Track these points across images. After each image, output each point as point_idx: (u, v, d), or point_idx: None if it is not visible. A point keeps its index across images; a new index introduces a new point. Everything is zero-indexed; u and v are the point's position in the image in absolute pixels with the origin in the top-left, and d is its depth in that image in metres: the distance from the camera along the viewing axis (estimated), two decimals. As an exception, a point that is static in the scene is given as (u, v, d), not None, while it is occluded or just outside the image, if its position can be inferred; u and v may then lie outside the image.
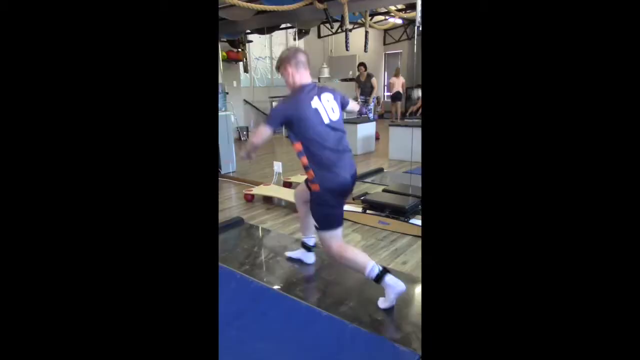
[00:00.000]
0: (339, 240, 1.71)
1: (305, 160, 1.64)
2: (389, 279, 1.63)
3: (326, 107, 1.65)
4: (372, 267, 1.64)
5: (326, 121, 1.63)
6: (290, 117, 1.61)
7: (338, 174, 1.63)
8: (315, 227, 1.73)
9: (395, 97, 7.71)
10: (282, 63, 1.70)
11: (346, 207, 2.91)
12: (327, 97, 1.68)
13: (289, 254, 2.18)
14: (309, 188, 1.71)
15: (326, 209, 1.67)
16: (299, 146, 1.64)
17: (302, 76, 1.69)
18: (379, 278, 1.63)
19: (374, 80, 6.18)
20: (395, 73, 7.89)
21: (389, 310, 1.66)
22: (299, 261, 2.12)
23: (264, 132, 1.65)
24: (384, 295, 1.67)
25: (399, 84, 7.67)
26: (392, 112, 7.88)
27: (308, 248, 2.10)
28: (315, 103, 1.63)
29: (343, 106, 1.80)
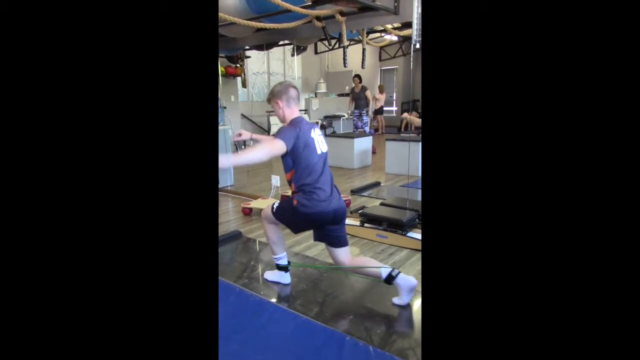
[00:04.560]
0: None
1: (293, 187, 1.76)
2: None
3: (318, 140, 1.78)
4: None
5: (319, 152, 1.76)
6: (297, 141, 1.68)
7: (320, 204, 1.71)
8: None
9: (379, 111, 8.15)
10: (274, 97, 1.79)
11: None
12: (317, 131, 1.82)
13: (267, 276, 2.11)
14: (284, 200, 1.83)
15: (291, 216, 1.80)
16: (290, 175, 1.74)
17: (293, 111, 1.80)
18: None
19: (368, 93, 6.35)
20: (380, 89, 8.18)
21: (387, 323, 1.67)
22: (302, 277, 2.13)
23: (279, 146, 1.62)
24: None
25: (382, 99, 8.07)
26: (379, 125, 8.15)
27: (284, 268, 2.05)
28: (312, 133, 1.76)
29: None
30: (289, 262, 2.05)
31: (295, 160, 1.71)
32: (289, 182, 1.78)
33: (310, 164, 1.71)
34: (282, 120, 1.81)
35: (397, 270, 1.77)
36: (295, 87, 1.82)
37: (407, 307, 1.82)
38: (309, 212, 1.71)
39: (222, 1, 2.56)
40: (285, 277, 2.03)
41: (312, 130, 1.77)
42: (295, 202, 1.73)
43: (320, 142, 1.78)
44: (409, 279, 1.77)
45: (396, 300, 1.81)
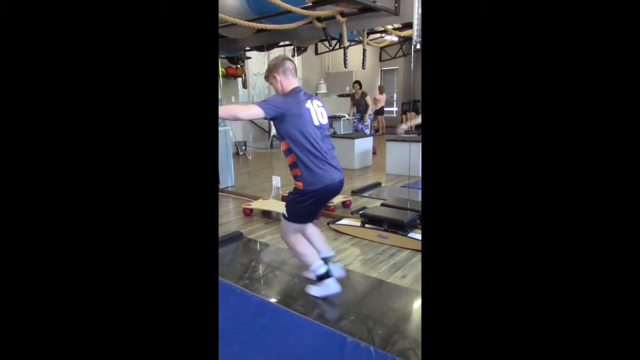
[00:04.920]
0: (296, 232, 1.86)
1: (293, 158, 1.71)
2: (329, 281, 1.86)
3: (317, 111, 1.75)
4: (318, 266, 1.84)
5: (316, 123, 1.72)
6: (285, 112, 1.64)
7: (325, 176, 1.70)
8: (283, 215, 1.83)
9: (379, 112, 8.14)
10: (271, 72, 1.77)
11: (345, 221, 2.93)
12: (317, 102, 1.78)
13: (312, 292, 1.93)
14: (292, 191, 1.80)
15: (302, 207, 1.76)
16: (287, 144, 1.70)
17: (291, 82, 1.77)
18: (321, 277, 1.85)
19: (368, 99, 6.49)
20: (380, 90, 8.19)
21: (389, 324, 1.67)
22: (303, 278, 2.12)
23: (254, 111, 1.59)
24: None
25: (382, 100, 8.08)
26: (380, 125, 8.17)
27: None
28: (308, 104, 1.72)
29: None
30: (329, 268, 1.88)
31: (287, 130, 1.67)
32: (285, 153, 1.74)
33: (305, 135, 1.66)
34: (282, 93, 1.76)
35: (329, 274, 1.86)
36: (291, 60, 1.80)
37: (408, 307, 1.82)
38: (318, 188, 1.70)
39: (223, 2, 2.56)
40: (331, 287, 1.84)
41: (310, 101, 1.73)
42: (300, 185, 1.71)
43: (319, 114, 1.74)
44: (332, 287, 1.85)
45: (310, 288, 1.89)
